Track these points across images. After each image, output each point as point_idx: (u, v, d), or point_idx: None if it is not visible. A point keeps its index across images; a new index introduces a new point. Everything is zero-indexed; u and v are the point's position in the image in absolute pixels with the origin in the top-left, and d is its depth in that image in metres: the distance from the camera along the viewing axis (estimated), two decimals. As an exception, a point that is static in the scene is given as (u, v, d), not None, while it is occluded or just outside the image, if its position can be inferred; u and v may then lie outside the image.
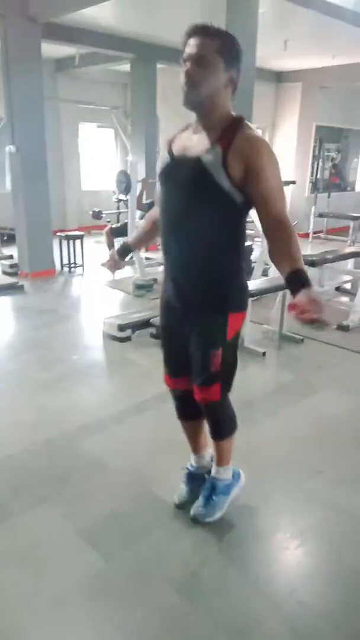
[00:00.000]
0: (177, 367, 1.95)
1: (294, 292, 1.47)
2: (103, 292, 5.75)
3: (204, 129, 1.65)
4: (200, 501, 2.06)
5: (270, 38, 6.25)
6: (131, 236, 2.10)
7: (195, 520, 2.03)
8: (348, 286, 5.56)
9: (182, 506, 2.11)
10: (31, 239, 6.14)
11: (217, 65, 1.56)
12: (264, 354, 3.84)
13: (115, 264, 2.13)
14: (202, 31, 1.57)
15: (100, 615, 1.65)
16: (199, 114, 1.65)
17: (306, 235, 8.15)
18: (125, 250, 2.14)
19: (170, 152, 1.73)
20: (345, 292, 5.54)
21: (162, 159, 1.77)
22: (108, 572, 1.82)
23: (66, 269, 6.55)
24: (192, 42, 1.57)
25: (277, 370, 3.77)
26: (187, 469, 2.19)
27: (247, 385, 3.47)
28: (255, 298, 4.33)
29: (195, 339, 1.81)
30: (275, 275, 4.43)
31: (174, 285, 1.82)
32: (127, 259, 2.25)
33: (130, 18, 6.16)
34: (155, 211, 1.96)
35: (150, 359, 3.55)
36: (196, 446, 2.16)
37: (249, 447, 2.60)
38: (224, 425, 1.98)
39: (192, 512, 2.05)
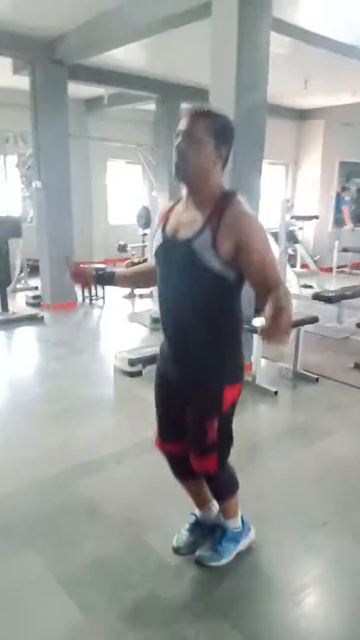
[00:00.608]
0: (171, 431, 1.93)
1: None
2: (121, 325, 5.76)
3: (194, 204, 1.67)
4: (208, 544, 2.03)
5: (291, 77, 6.37)
6: (120, 269, 2.13)
7: (199, 563, 1.99)
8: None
9: (180, 550, 2.06)
10: (53, 272, 6.24)
11: (207, 143, 1.60)
12: (275, 392, 3.72)
13: (82, 279, 2.01)
14: (195, 111, 1.63)
15: None
16: (189, 188, 1.68)
17: (329, 270, 8.03)
18: (108, 278, 2.02)
19: (163, 229, 1.75)
20: (367, 329, 5.36)
21: (156, 235, 1.79)
22: (86, 626, 1.72)
23: (87, 301, 6.62)
24: (185, 120, 1.63)
25: (289, 411, 3.63)
26: (195, 515, 2.13)
27: (256, 425, 3.36)
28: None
29: (190, 409, 1.80)
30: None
31: (171, 356, 1.82)
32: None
33: (154, 60, 6.38)
34: (143, 266, 2.13)
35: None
36: (199, 502, 2.11)
37: (252, 492, 2.48)
38: (224, 490, 1.97)
39: (197, 553, 2.02)
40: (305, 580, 1.96)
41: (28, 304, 6.49)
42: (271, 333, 1.45)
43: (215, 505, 2.10)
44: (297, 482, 2.62)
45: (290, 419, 3.45)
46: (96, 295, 6.69)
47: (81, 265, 2.08)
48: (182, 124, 1.61)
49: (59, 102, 6.02)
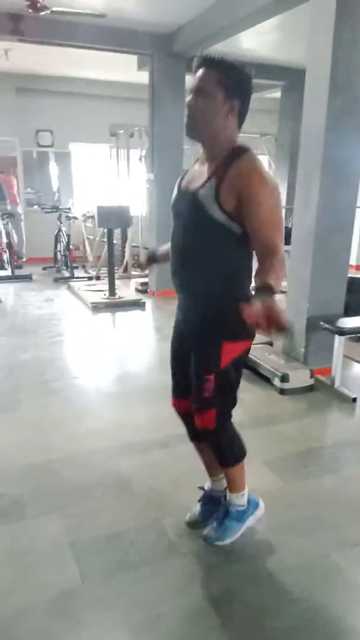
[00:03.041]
0: (180, 389, 1.98)
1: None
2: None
3: (206, 159, 1.69)
4: (213, 523, 2.05)
5: None
6: (162, 247, 2.15)
7: (206, 541, 2.01)
8: None
9: (192, 525, 2.12)
10: (160, 260, 6.49)
11: (216, 95, 1.58)
12: (354, 399, 3.44)
13: (142, 266, 2.24)
14: (203, 63, 1.61)
15: (49, 635, 1.66)
16: (202, 145, 1.70)
17: None
18: (151, 258, 2.17)
19: (179, 185, 1.80)
20: None
21: (174, 190, 1.84)
22: (79, 593, 1.82)
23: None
24: (196, 74, 1.62)
25: (363, 421, 3.33)
26: (203, 489, 2.18)
27: (320, 430, 3.17)
28: (357, 336, 3.94)
29: (192, 363, 1.83)
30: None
31: (180, 310, 1.90)
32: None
33: (279, 46, 6.21)
34: None
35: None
36: (209, 470, 2.14)
37: (286, 500, 2.38)
38: (225, 454, 1.96)
39: (204, 532, 2.04)
40: (309, 604, 1.81)
41: (137, 290, 6.85)
42: (266, 329, 1.38)
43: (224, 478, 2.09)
44: (342, 498, 2.41)
45: (360, 430, 3.17)
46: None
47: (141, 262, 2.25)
48: (193, 79, 1.61)
49: (176, 95, 6.16)
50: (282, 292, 5.54)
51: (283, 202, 7.39)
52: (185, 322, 1.87)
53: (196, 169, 1.74)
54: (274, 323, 1.35)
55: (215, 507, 2.10)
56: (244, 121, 1.66)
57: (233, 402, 1.88)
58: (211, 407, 1.80)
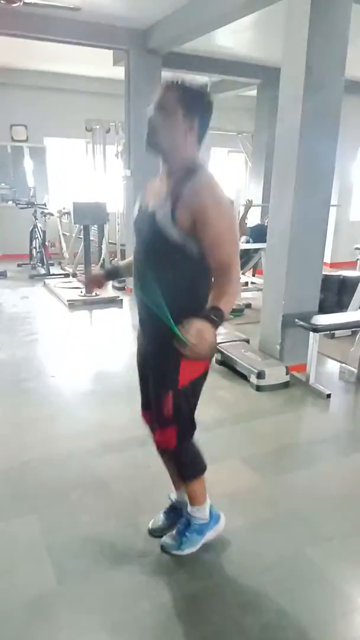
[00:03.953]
0: (145, 400, 1.97)
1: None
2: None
3: (166, 176, 1.69)
4: (173, 532, 2.04)
5: None
6: (124, 261, 2.18)
7: (163, 549, 2.00)
8: None
9: (154, 533, 2.10)
10: (137, 257, 6.46)
11: (175, 113, 1.61)
12: (328, 395, 3.49)
13: (96, 284, 2.17)
14: (166, 83, 1.64)
15: (25, 637, 1.65)
16: (161, 159, 1.70)
17: None
18: (114, 273, 2.15)
19: (141, 202, 1.79)
20: None
21: (135, 207, 1.84)
22: (55, 595, 1.81)
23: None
24: (158, 93, 1.65)
25: (336, 417, 3.38)
26: (170, 499, 2.17)
27: (295, 427, 3.20)
28: (331, 333, 3.99)
29: (150, 381, 1.84)
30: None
31: (140, 325, 1.88)
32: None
33: (255, 44, 6.23)
34: None
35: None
36: (175, 481, 2.12)
37: (263, 496, 2.41)
38: (184, 469, 1.95)
39: (162, 539, 2.03)
40: (282, 601, 1.84)
41: (114, 287, 6.80)
42: (193, 348, 1.44)
43: None
44: (316, 493, 2.45)
45: (334, 426, 3.22)
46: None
47: (96, 277, 2.21)
48: (155, 97, 1.63)
49: (152, 91, 6.10)
50: (259, 289, 5.60)
51: (260, 200, 7.44)
52: (145, 337, 1.85)
53: (157, 185, 1.73)
54: (204, 347, 1.44)
55: (177, 516, 2.08)
56: (204, 139, 1.68)
57: (192, 424, 1.86)
58: (170, 425, 1.79)
